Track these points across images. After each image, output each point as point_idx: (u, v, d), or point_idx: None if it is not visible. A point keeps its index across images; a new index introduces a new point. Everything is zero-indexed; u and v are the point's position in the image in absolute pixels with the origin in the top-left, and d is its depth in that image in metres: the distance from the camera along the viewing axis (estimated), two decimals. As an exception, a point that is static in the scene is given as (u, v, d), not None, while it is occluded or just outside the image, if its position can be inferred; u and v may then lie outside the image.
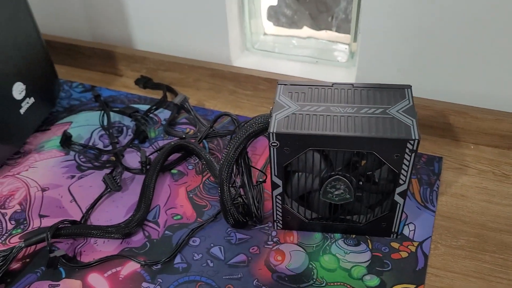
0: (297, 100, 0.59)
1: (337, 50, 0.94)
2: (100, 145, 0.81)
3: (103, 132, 0.84)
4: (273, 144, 0.56)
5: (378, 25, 0.76)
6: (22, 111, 0.77)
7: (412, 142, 0.53)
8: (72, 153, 0.80)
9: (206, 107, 0.89)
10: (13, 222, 0.69)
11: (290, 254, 0.63)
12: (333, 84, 0.61)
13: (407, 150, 0.53)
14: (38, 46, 0.81)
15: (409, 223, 0.66)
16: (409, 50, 0.77)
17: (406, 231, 0.65)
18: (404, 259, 0.61)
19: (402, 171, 0.56)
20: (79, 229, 0.65)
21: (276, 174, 0.59)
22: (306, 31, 0.96)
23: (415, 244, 0.63)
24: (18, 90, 0.76)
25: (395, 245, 0.63)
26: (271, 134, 0.55)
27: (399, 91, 0.59)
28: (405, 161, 0.54)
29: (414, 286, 0.59)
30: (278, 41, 0.98)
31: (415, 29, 0.74)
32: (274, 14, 0.97)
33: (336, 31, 0.93)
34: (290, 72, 0.89)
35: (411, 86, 0.60)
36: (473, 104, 0.77)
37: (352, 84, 0.61)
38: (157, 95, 0.91)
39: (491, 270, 0.60)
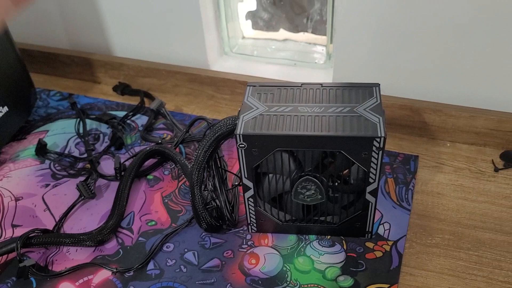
0: (265, 101, 0.59)
1: (315, 52, 0.94)
2: (76, 153, 0.80)
3: (79, 140, 0.83)
4: (240, 145, 0.55)
5: (352, 25, 0.76)
6: (-5, 120, 0.77)
7: (378, 139, 0.52)
8: (47, 161, 0.79)
9: (184, 112, 0.88)
10: (-14, 232, 0.69)
11: (265, 257, 0.63)
12: (302, 84, 0.61)
13: (374, 148, 0.53)
14: (11, 55, 0.80)
15: (384, 222, 0.65)
16: (384, 49, 0.77)
17: (381, 231, 0.64)
18: (378, 259, 0.61)
19: (371, 170, 0.55)
20: (51, 237, 0.65)
21: (246, 176, 0.58)
22: (283, 33, 0.96)
23: (390, 243, 0.63)
24: (-9, 99, 0.76)
25: (369, 244, 0.63)
26: (237, 136, 0.54)
27: (368, 90, 0.59)
28: (373, 159, 0.54)
29: (388, 285, 0.58)
30: (257, 44, 0.97)
31: (389, 29, 0.74)
32: (252, 18, 0.97)
33: (312, 32, 0.93)
34: (268, 75, 0.89)
35: (379, 84, 0.59)
36: (448, 102, 0.76)
37: (321, 84, 0.60)
38: (135, 101, 0.91)
39: (465, 267, 0.59)
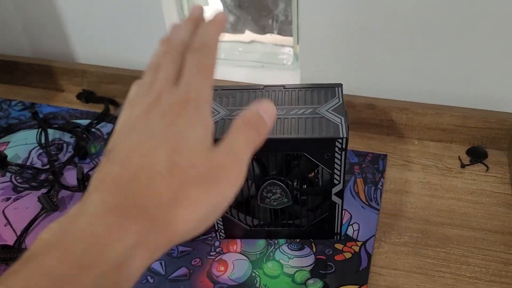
0: (227, 105, 0.57)
1: (282, 53, 0.94)
2: (38, 164, 0.78)
3: (41, 150, 0.80)
4: (202, 151, 0.54)
5: (317, 25, 0.76)
6: (-49, 133, 0.74)
7: (340, 140, 0.52)
8: (8, 174, 0.76)
9: (150, 118, 0.87)
10: None
11: (233, 264, 0.61)
12: (264, 86, 0.60)
13: (336, 149, 0.52)
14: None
15: (353, 223, 0.65)
16: (349, 49, 0.77)
17: (350, 231, 0.64)
18: (347, 260, 0.60)
19: (335, 171, 0.55)
20: (11, 253, 0.62)
21: (210, 182, 0.57)
22: (249, 35, 0.95)
23: (359, 244, 0.62)
24: None
25: (339, 246, 0.62)
26: (198, 141, 0.53)
27: (330, 90, 0.58)
28: (336, 160, 0.53)
29: (357, 286, 0.57)
30: (224, 47, 0.96)
31: (354, 28, 0.74)
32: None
33: (278, 33, 0.92)
34: (236, 78, 0.88)
35: (342, 84, 0.59)
36: (414, 100, 0.77)
37: (283, 86, 0.60)
38: (100, 109, 0.89)
39: (433, 264, 0.59)
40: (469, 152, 0.74)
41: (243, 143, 0.31)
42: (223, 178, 0.29)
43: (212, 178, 0.28)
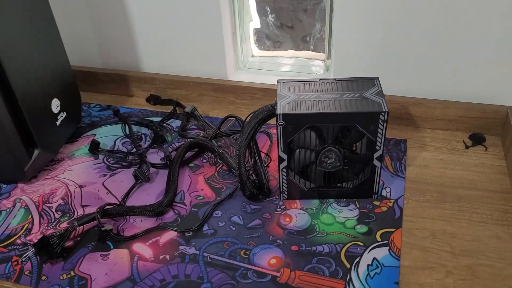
0: (294, 92, 0.77)
1: (315, 65, 1.14)
2: (124, 151, 0.96)
3: (125, 140, 0.98)
4: (280, 123, 0.73)
5: (347, 41, 0.96)
6: (58, 123, 0.92)
7: (383, 114, 0.71)
8: (101, 157, 0.94)
9: (210, 116, 1.06)
10: (59, 212, 0.82)
11: (296, 216, 0.79)
12: (320, 79, 0.79)
13: (380, 121, 0.72)
14: (67, 72, 0.96)
15: (386, 187, 0.83)
16: (373, 60, 0.97)
17: (384, 193, 0.82)
18: (384, 212, 0.78)
19: (378, 139, 0.73)
20: (122, 208, 0.79)
21: (282, 149, 0.76)
22: (288, 52, 1.16)
23: (392, 201, 0.81)
24: (55, 105, 0.91)
25: (376, 203, 0.80)
26: (278, 115, 0.72)
27: (370, 81, 0.78)
28: (379, 130, 0.72)
29: (394, 229, 0.75)
30: (265, 61, 1.17)
31: (377, 45, 0.95)
32: (259, 39, 1.17)
33: (313, 50, 1.13)
34: (276, 85, 1.08)
35: (378, 77, 0.79)
36: (426, 97, 0.97)
37: (334, 79, 0.79)
38: (166, 109, 1.07)
39: (451, 214, 0.77)
40: (471, 137, 0.93)
41: None
42: None
43: None
